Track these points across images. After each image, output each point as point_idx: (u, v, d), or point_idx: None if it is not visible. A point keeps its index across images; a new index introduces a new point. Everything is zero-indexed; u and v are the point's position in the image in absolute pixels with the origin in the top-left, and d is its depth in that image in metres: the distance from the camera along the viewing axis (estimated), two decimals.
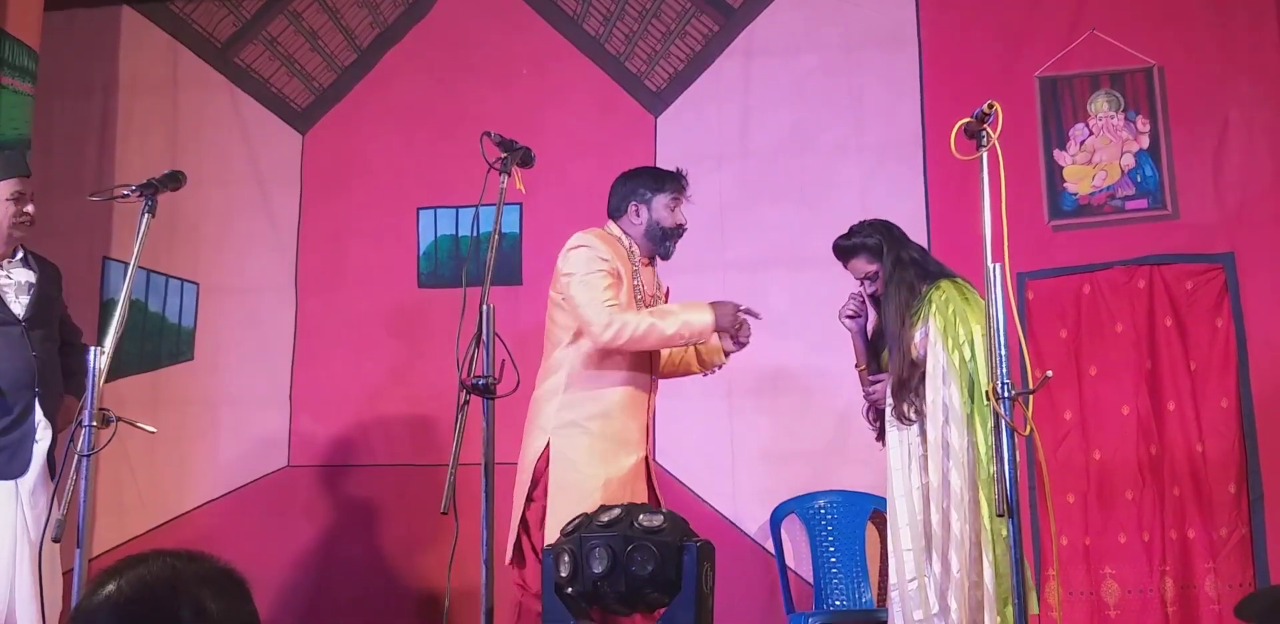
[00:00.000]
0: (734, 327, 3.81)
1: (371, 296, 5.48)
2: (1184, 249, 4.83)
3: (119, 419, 3.29)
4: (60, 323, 4.25)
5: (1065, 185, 5.01)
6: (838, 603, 4.79)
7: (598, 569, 3.04)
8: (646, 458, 3.85)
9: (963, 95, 4.84)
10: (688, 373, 4.10)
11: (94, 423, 3.23)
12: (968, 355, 3.61)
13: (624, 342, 3.66)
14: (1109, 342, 4.83)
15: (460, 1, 5.67)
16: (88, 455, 3.20)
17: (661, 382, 4.00)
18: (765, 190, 5.25)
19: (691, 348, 3.99)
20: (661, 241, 3.91)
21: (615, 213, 3.94)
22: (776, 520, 4.91)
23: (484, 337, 3.20)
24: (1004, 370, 2.91)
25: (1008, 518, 2.91)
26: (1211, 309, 4.75)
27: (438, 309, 5.28)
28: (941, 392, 3.62)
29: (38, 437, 4.00)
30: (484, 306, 3.22)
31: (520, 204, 5.27)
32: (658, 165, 4.27)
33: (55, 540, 3.34)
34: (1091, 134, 5.01)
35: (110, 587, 1.53)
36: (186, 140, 5.70)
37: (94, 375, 3.25)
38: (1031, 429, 2.94)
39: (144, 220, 3.47)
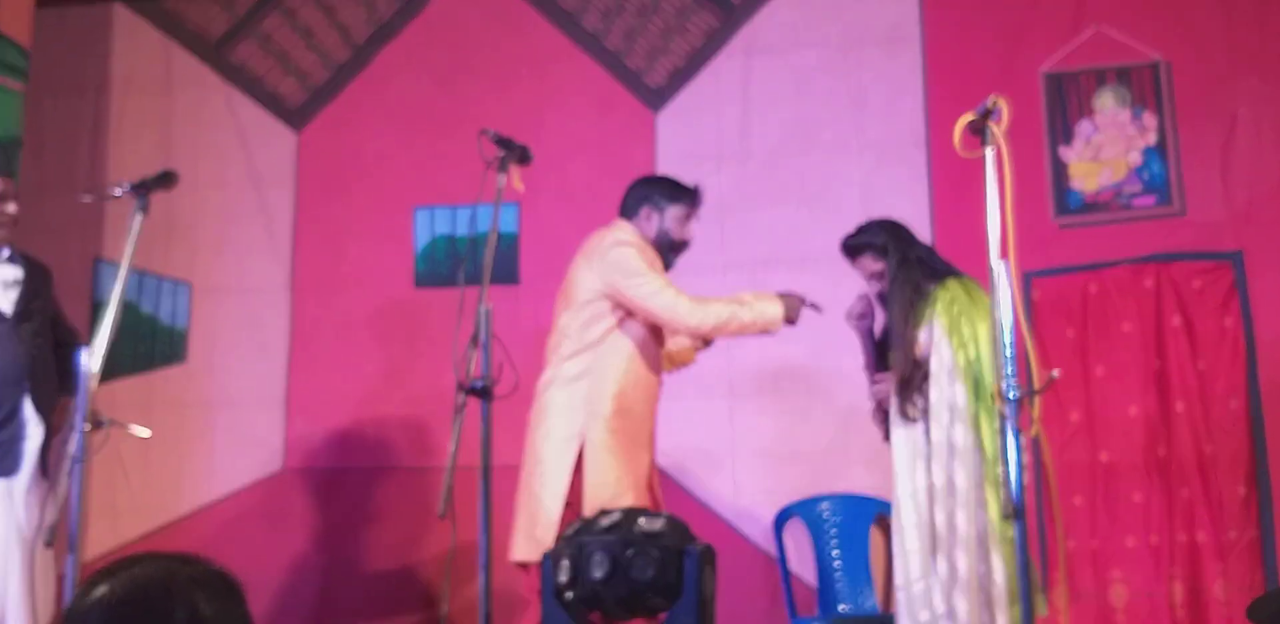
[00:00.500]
0: (797, 319, 3.91)
1: (368, 297, 5.45)
2: (1192, 247, 4.79)
3: (112, 422, 3.25)
4: (55, 324, 4.20)
5: (1071, 183, 4.97)
6: (842, 608, 4.75)
7: (598, 574, 3.00)
8: (652, 460, 3.87)
9: (966, 92, 4.76)
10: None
11: (86, 426, 3.19)
12: (973, 355, 3.58)
13: (709, 328, 3.81)
14: (1116, 341, 4.79)
15: None
16: (80, 461, 3.17)
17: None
18: (766, 189, 5.21)
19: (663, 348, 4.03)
20: (666, 252, 3.96)
21: (628, 213, 3.97)
22: (779, 524, 4.87)
23: (482, 338, 3.17)
24: (1010, 370, 2.87)
25: (1014, 520, 2.88)
26: (1220, 308, 4.71)
27: (435, 309, 5.24)
28: (947, 391, 3.60)
29: (28, 434, 3.96)
30: (482, 307, 3.19)
31: (518, 203, 5.23)
32: (658, 165, 4.26)
33: (48, 545, 3.31)
34: (1097, 130, 4.97)
35: (103, 588, 1.52)
36: (179, 139, 5.67)
37: (84, 377, 3.21)
38: (1038, 430, 2.90)
39: (136, 220, 3.46)
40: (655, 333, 3.90)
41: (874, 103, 5.20)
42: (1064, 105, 5.01)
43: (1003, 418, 2.89)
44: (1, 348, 3.97)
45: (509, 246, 5.30)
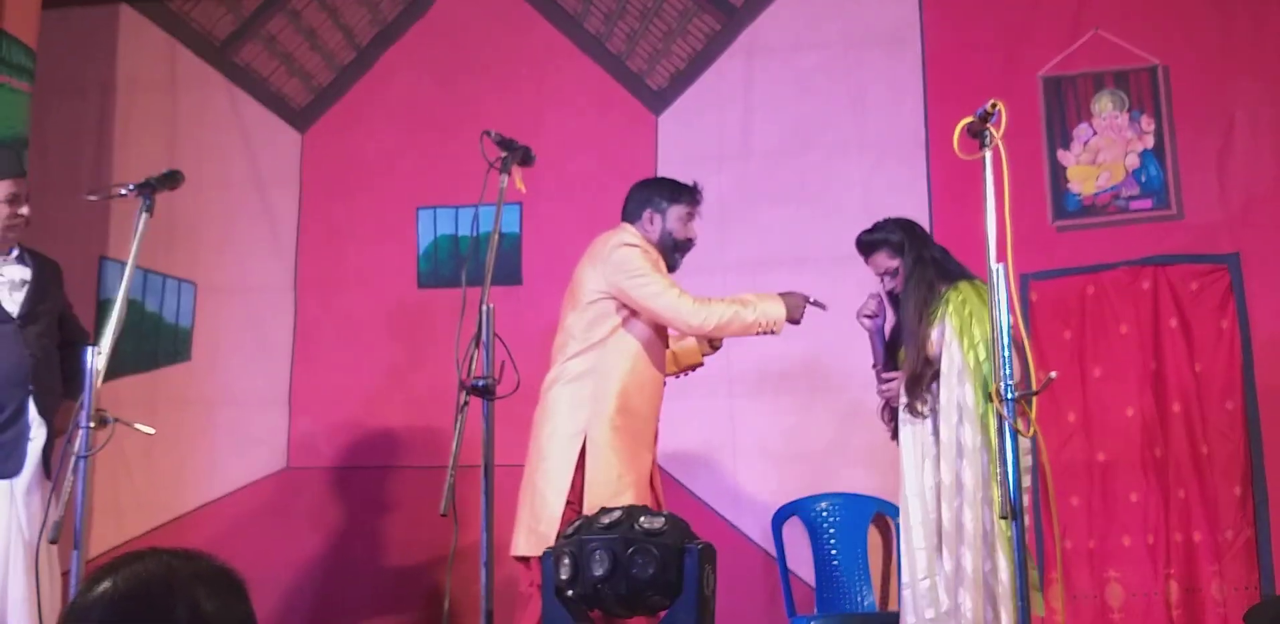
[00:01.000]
0: (801, 318, 3.91)
1: (371, 297, 5.46)
2: (1189, 250, 4.80)
3: (116, 420, 3.27)
4: (64, 322, 4.21)
5: (1069, 185, 4.98)
6: (840, 606, 4.76)
7: (598, 572, 3.02)
8: (654, 458, 3.88)
9: (965, 95, 4.80)
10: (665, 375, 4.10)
11: (91, 423, 3.20)
12: (983, 356, 3.60)
13: (711, 328, 3.82)
14: (1113, 343, 4.80)
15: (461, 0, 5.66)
16: (85, 456, 3.18)
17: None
18: (767, 190, 5.22)
19: (669, 350, 4.04)
20: (671, 252, 3.98)
21: (630, 217, 3.99)
22: (778, 523, 4.88)
23: (484, 337, 3.18)
24: (1008, 372, 2.89)
25: (1011, 520, 2.90)
26: (1216, 310, 4.72)
27: (438, 309, 5.25)
28: (956, 391, 3.64)
29: (31, 435, 3.97)
30: (484, 307, 3.20)
31: (520, 204, 5.25)
32: (660, 166, 4.27)
33: (52, 542, 3.32)
34: (1095, 134, 4.99)
35: (106, 583, 1.51)
36: (184, 139, 5.68)
37: (90, 375, 3.22)
38: (1035, 431, 2.92)
39: (141, 220, 3.45)
40: (660, 333, 3.92)
41: (874, 104, 5.21)
42: (1062, 108, 5.03)
43: (1000, 418, 2.91)
44: (7, 349, 3.97)
45: (511, 247, 5.31)
